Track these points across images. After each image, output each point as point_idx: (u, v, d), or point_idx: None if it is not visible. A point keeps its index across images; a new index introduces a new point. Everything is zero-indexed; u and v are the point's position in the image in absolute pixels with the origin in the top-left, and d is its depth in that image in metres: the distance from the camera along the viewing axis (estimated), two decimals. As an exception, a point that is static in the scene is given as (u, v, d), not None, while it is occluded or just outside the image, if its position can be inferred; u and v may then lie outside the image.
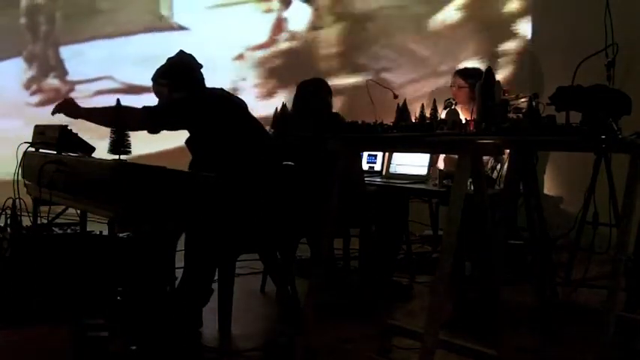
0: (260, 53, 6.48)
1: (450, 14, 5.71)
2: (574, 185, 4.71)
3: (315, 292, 2.54)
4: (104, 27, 6.79)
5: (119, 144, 2.45)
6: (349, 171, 2.52)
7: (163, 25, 6.71)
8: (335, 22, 6.25)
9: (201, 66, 3.16)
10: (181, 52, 3.17)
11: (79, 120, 2.98)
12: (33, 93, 7.06)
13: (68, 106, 2.94)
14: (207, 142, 3.04)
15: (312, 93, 3.72)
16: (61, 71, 7.05)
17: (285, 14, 6.42)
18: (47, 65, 7.06)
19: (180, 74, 3.08)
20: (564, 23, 5.04)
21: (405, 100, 2.59)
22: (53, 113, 2.96)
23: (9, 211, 3.15)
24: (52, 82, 7.04)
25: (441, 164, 4.07)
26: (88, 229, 3.31)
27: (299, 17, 6.38)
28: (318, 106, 3.67)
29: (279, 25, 6.42)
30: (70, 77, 7.03)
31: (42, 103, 6.96)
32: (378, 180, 3.83)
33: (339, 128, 3.28)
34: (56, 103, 2.99)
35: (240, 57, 6.54)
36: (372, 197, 3.61)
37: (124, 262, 2.98)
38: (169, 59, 3.14)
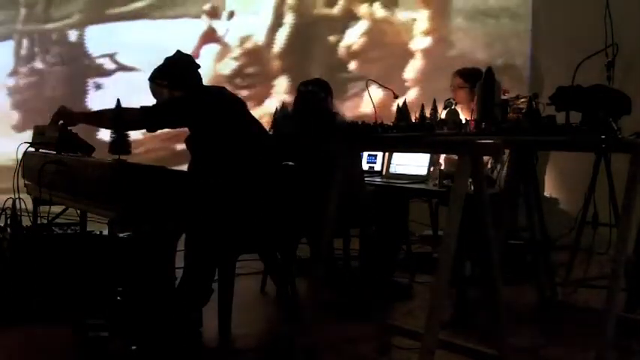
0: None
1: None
2: (574, 185, 4.71)
3: (315, 292, 2.54)
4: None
5: (119, 144, 2.45)
6: (349, 171, 2.51)
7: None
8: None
9: (198, 66, 3.16)
10: (179, 52, 3.17)
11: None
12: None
13: (64, 115, 2.94)
14: (206, 141, 3.04)
15: (312, 93, 3.72)
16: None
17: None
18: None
19: (178, 74, 3.08)
20: (564, 23, 5.04)
21: (405, 100, 2.59)
22: (51, 125, 2.96)
23: (9, 211, 3.15)
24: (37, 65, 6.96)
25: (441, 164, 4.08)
26: (88, 229, 3.31)
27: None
28: (318, 106, 3.67)
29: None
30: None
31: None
32: (378, 180, 3.83)
33: (339, 128, 3.29)
34: (52, 115, 3.00)
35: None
36: (372, 197, 3.61)
37: (124, 262, 2.98)
38: (167, 59, 3.14)
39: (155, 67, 3.12)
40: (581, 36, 4.45)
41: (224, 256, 3.00)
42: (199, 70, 3.15)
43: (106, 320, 2.73)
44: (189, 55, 3.17)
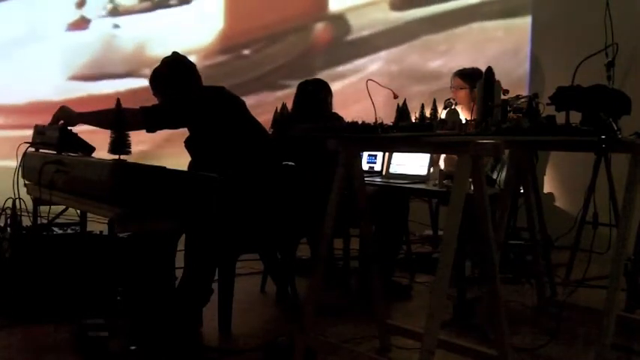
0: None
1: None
2: (574, 185, 4.71)
3: (315, 291, 2.54)
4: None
5: (119, 144, 2.45)
6: (349, 171, 2.52)
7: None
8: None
9: (194, 66, 3.16)
10: (175, 53, 3.16)
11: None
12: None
13: (64, 114, 2.95)
14: (206, 141, 3.04)
15: (312, 93, 3.72)
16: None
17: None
18: None
19: (176, 75, 3.08)
20: (564, 23, 5.04)
21: (405, 100, 2.58)
22: (50, 124, 2.96)
23: (9, 211, 3.15)
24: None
25: (441, 164, 4.07)
26: (88, 229, 3.31)
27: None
28: (317, 106, 3.67)
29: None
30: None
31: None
32: (378, 180, 3.83)
33: (339, 128, 3.28)
34: (53, 114, 3.00)
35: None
36: (372, 197, 3.61)
37: (124, 262, 2.98)
38: (164, 60, 3.13)
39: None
40: (581, 36, 4.45)
41: (224, 256, 3.00)
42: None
43: (106, 320, 2.73)
44: (183, 57, 3.15)
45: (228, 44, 6.67)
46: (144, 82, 6.07)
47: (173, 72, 3.09)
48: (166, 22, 6.81)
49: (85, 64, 7.08)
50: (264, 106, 5.63)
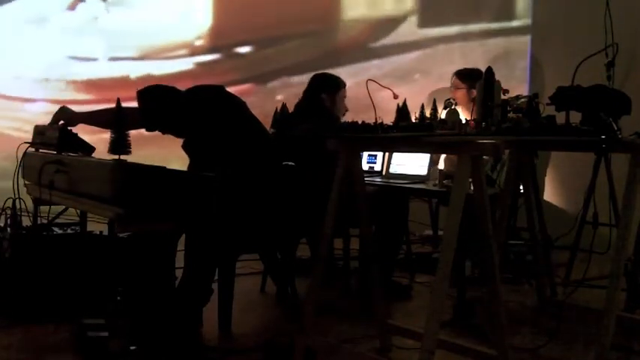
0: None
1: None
2: (574, 185, 4.71)
3: (315, 291, 2.54)
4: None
5: (119, 144, 2.45)
6: (349, 171, 2.51)
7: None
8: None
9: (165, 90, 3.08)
10: (140, 90, 3.03)
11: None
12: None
13: (65, 114, 2.94)
14: (205, 141, 3.03)
15: (308, 90, 3.70)
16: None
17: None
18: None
19: (160, 99, 2.98)
20: (564, 23, 5.04)
21: (405, 100, 2.58)
22: (51, 124, 2.96)
23: (9, 211, 3.15)
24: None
25: (441, 164, 4.07)
26: (88, 229, 3.31)
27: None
28: (314, 104, 3.66)
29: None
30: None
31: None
32: (378, 180, 3.83)
33: (339, 128, 3.28)
34: (53, 114, 2.99)
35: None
36: (372, 197, 3.61)
37: (124, 262, 2.98)
38: (140, 99, 2.97)
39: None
40: (581, 36, 4.45)
41: (224, 256, 3.00)
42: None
43: (106, 320, 2.73)
44: (149, 87, 3.02)
45: (217, 42, 6.60)
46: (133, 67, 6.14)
47: (156, 99, 2.99)
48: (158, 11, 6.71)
49: (73, 46, 7.03)
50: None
